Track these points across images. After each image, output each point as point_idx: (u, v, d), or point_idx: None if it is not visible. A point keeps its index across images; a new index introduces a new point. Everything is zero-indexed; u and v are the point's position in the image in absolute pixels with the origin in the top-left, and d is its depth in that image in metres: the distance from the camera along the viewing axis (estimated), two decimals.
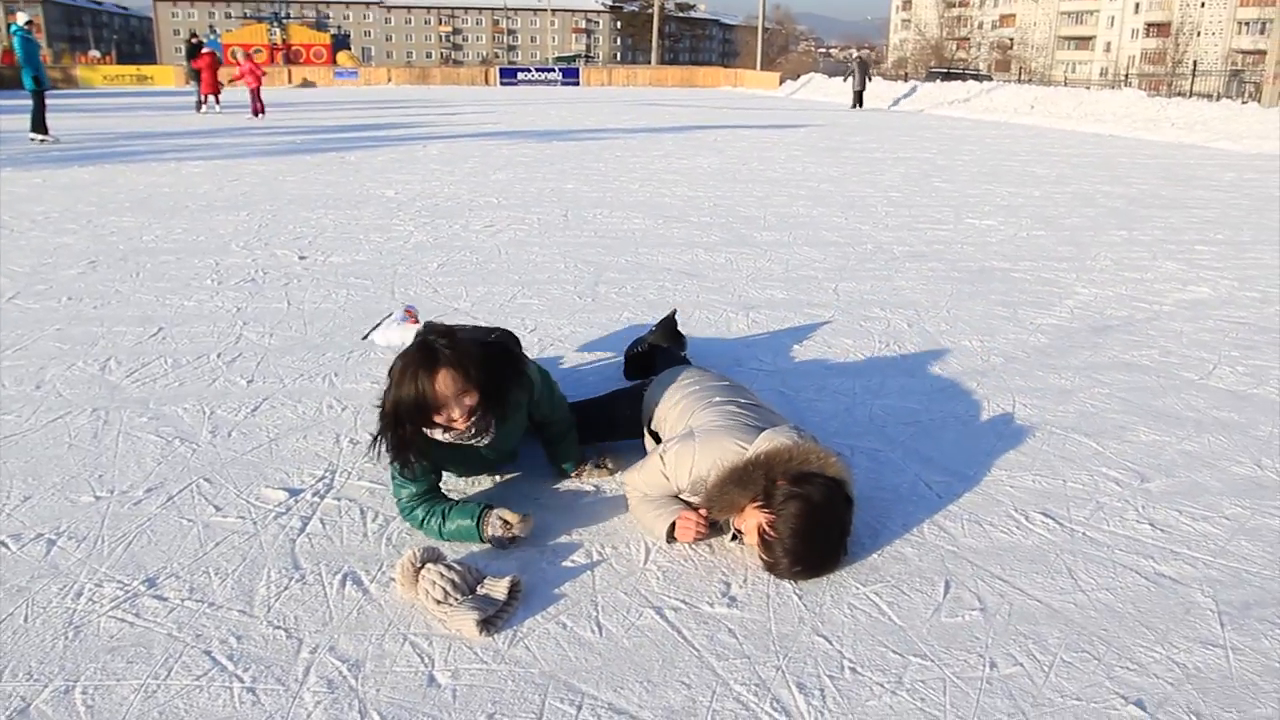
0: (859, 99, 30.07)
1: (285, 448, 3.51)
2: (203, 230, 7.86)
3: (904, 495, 3.19)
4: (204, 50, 24.55)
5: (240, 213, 8.76)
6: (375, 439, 2.77)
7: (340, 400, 3.99)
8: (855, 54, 32.68)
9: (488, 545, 2.78)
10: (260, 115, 21.89)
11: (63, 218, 8.44)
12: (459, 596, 2.43)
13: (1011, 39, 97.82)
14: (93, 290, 5.81)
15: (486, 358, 2.76)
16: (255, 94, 22.39)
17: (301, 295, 5.74)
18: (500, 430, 2.88)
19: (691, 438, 2.87)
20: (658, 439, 3.20)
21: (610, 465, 3.28)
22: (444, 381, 2.62)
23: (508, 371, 2.90)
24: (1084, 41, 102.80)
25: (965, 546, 2.85)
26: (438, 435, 2.75)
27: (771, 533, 2.59)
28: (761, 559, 2.65)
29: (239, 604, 2.50)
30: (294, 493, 3.14)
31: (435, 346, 2.63)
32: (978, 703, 2.16)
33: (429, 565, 2.49)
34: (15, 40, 15.20)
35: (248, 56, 23.43)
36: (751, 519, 2.66)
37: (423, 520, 2.82)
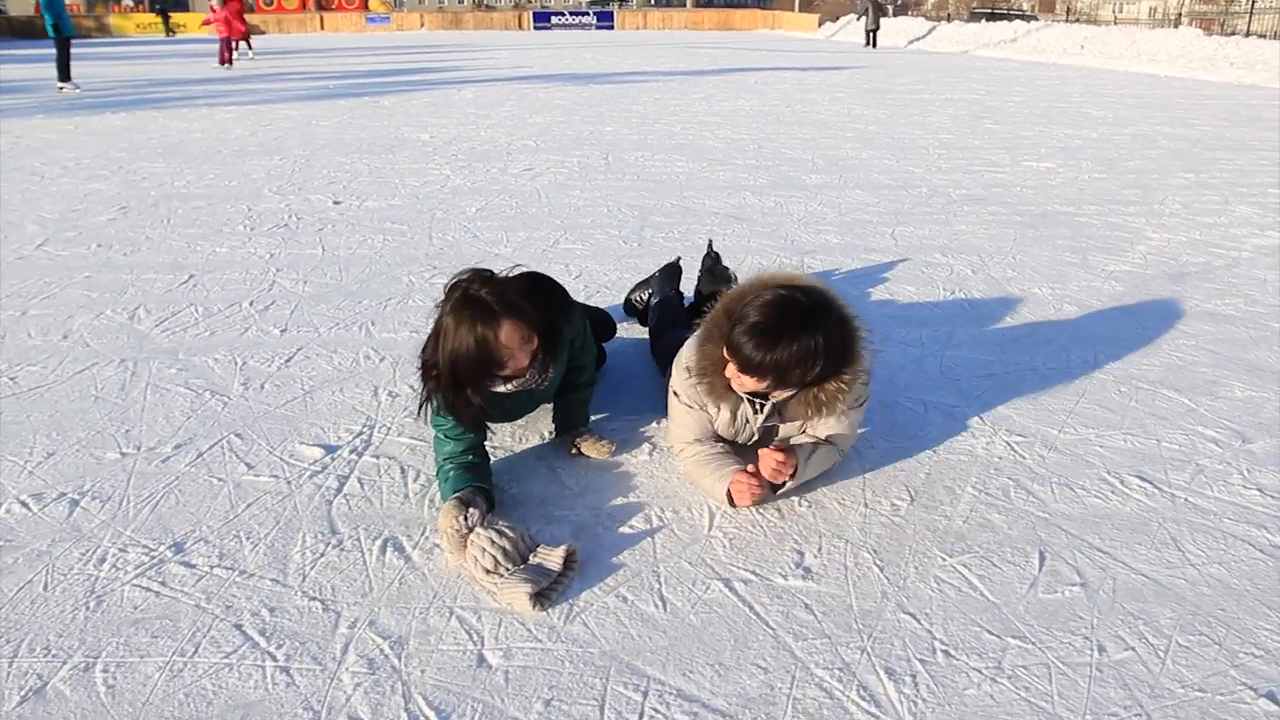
0: (871, 38, 30.15)
1: (321, 401, 3.32)
2: (235, 175, 7.66)
3: (982, 456, 2.94)
4: None
5: (273, 157, 8.55)
6: (423, 401, 2.57)
7: (378, 350, 3.78)
8: None
9: (520, 508, 2.62)
10: (227, 66, 20.62)
11: (94, 164, 8.27)
12: (510, 566, 2.23)
13: None
14: (123, 237, 5.63)
15: (536, 297, 2.55)
16: (226, 44, 20.99)
17: (336, 241, 5.53)
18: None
19: (680, 352, 2.76)
20: None
21: (610, 445, 2.92)
22: (507, 333, 2.41)
23: (558, 306, 2.71)
24: None
25: (1057, 513, 2.60)
26: (499, 388, 2.57)
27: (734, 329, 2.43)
28: (734, 372, 2.47)
29: (272, 572, 2.31)
30: (330, 450, 2.94)
31: (485, 299, 2.39)
32: (1088, 693, 1.93)
33: (478, 530, 2.29)
34: None
35: (225, 2, 21.32)
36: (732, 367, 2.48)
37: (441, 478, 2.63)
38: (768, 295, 2.42)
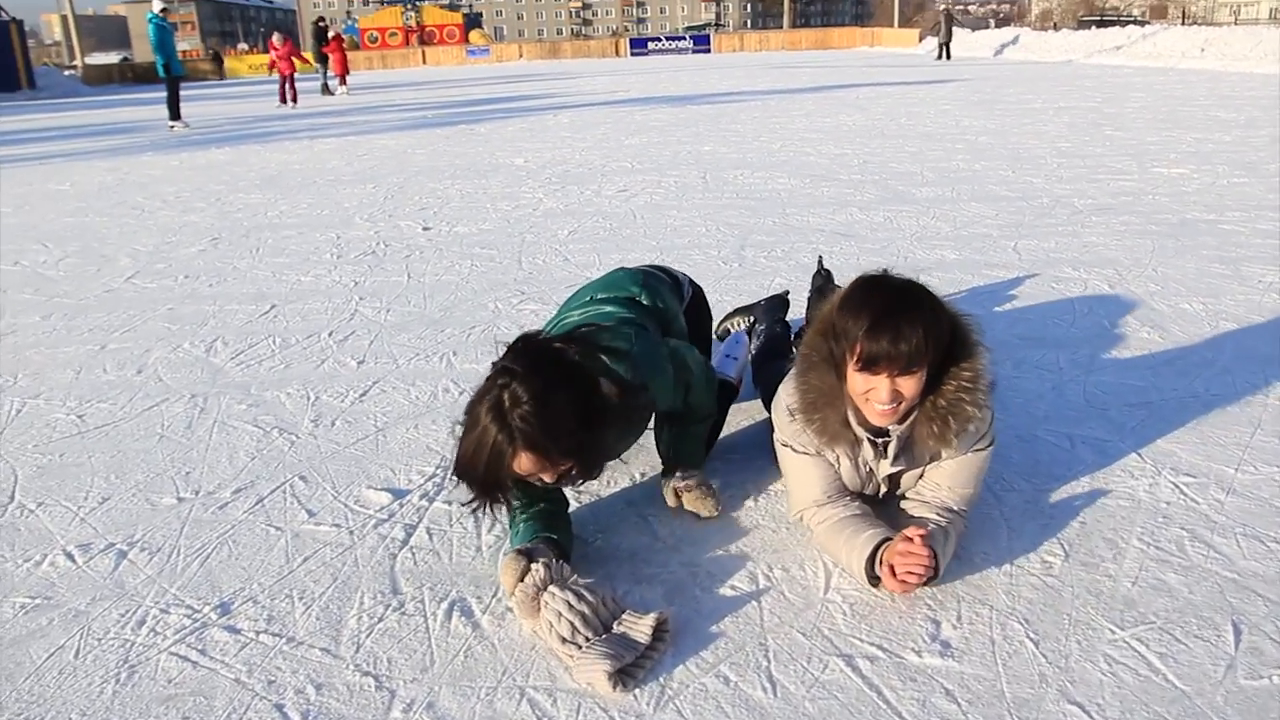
0: (945, 50, 30.69)
1: (393, 439, 3.06)
2: (328, 204, 7.59)
3: (1145, 502, 2.50)
4: (331, 35, 25.00)
5: (367, 185, 8.49)
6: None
7: (458, 382, 3.52)
8: (940, 7, 34.40)
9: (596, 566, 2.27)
10: (291, 104, 20.01)
11: (193, 197, 8.32)
12: (589, 635, 1.90)
13: None
14: (210, 268, 5.54)
15: (579, 423, 2.07)
16: (287, 80, 20.40)
17: (423, 267, 5.33)
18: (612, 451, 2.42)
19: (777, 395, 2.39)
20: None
21: (719, 502, 2.48)
22: (524, 464, 2.05)
23: (603, 431, 2.18)
24: None
25: (1249, 573, 2.15)
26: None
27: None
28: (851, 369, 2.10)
29: (323, 639, 2.03)
30: (399, 495, 2.67)
31: (511, 420, 2.00)
32: None
33: (552, 590, 1.96)
34: (150, 27, 15.42)
35: (284, 41, 21.04)
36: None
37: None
38: (852, 286, 2.14)
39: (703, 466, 2.60)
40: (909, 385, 2.05)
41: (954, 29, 32.45)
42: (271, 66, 21.36)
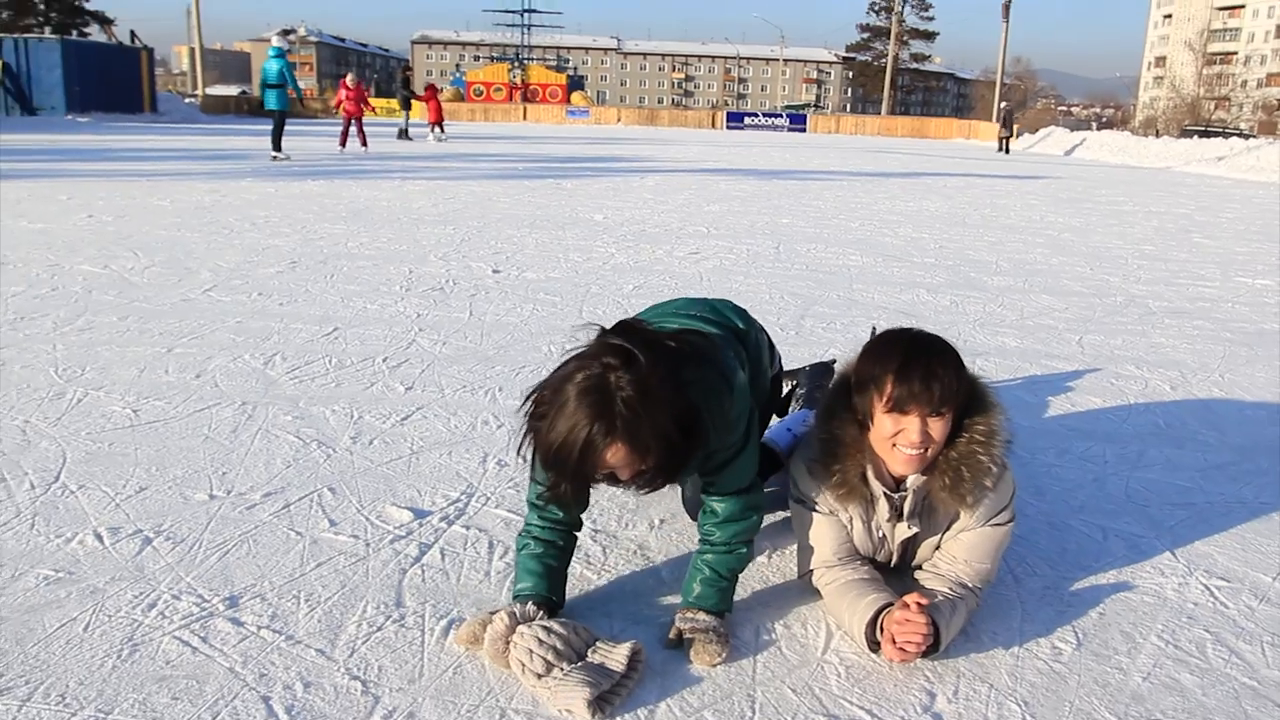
0: (1005, 144, 32.74)
1: (425, 462, 3.11)
2: (406, 240, 7.81)
3: (1172, 601, 2.42)
4: (426, 85, 25.78)
5: (447, 227, 8.72)
6: (522, 446, 2.01)
7: (499, 417, 3.57)
8: (1002, 105, 36.94)
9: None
10: (363, 148, 19.31)
11: (281, 222, 8.63)
12: (565, 666, 1.90)
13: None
14: (284, 288, 5.73)
15: (677, 423, 1.91)
16: (352, 123, 19.53)
17: (486, 307, 5.45)
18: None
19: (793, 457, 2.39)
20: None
21: (723, 651, 2.06)
22: (614, 454, 1.87)
23: (696, 443, 2.01)
24: None
25: (1270, 682, 2.07)
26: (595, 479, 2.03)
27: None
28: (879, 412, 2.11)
29: (320, 641, 2.06)
30: (420, 515, 2.71)
31: (614, 405, 1.82)
32: None
33: (520, 630, 1.95)
34: (275, 61, 16.20)
35: (356, 83, 20.02)
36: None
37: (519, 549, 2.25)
38: (875, 339, 2.21)
39: (724, 611, 2.17)
40: (939, 427, 2.06)
41: (1014, 125, 34.73)
42: (338, 106, 20.11)
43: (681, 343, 2.05)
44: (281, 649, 2.03)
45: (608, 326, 2.00)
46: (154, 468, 2.96)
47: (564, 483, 1.97)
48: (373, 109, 22.18)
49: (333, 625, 2.13)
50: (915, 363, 2.06)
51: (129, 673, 1.92)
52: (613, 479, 1.99)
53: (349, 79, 20.02)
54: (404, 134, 24.47)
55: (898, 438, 2.08)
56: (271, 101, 16.24)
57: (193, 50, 52.63)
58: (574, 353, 1.93)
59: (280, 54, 16.38)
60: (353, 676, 1.94)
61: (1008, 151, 32.32)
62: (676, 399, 1.91)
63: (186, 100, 43.94)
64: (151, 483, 2.85)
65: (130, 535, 2.51)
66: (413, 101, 25.67)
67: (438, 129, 25.40)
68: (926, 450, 2.09)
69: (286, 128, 16.66)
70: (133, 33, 38.28)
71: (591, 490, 2.18)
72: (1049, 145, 37.34)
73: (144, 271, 6.09)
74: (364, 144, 19.45)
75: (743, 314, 2.64)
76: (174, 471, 2.94)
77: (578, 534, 2.28)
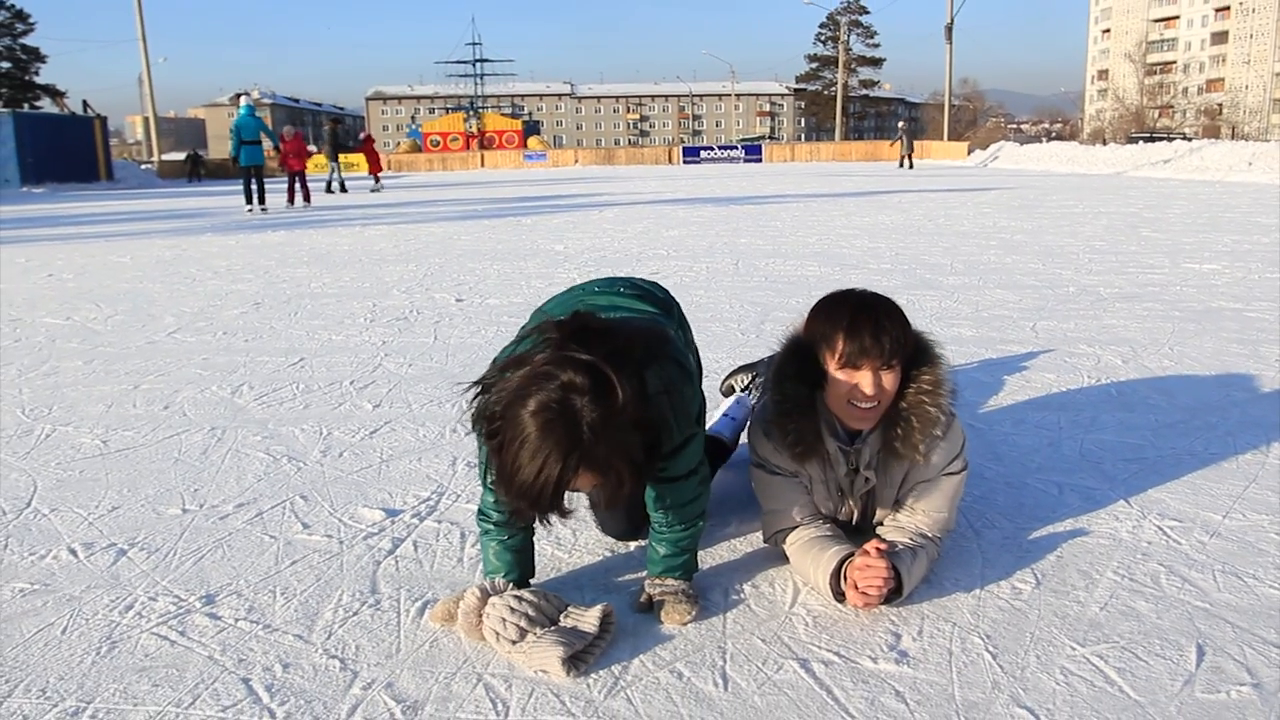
0: (905, 161, 33.86)
1: (396, 469, 3.15)
2: (369, 279, 7.86)
3: (1126, 541, 2.50)
4: (364, 136, 25.85)
5: (409, 264, 8.78)
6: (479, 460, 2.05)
7: (467, 424, 3.61)
8: (900, 124, 37.51)
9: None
10: (304, 203, 18.27)
11: (243, 269, 8.66)
12: (538, 631, 1.94)
13: (1220, 104, 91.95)
14: (249, 327, 5.76)
15: (644, 439, 1.83)
16: (297, 178, 18.40)
17: (450, 332, 5.50)
18: None
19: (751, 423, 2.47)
20: None
21: (690, 608, 2.11)
22: (581, 481, 1.78)
23: (660, 453, 1.96)
24: None
25: (1222, 604, 2.15)
26: None
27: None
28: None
29: (297, 628, 2.09)
30: (392, 513, 2.75)
31: (581, 434, 1.69)
32: None
33: (492, 601, 2.00)
34: (242, 118, 16.53)
35: (295, 135, 18.92)
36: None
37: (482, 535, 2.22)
38: (820, 301, 2.28)
39: (690, 575, 2.20)
40: (890, 379, 2.15)
41: (914, 142, 36.55)
42: (282, 161, 18.85)
43: (638, 339, 1.90)
44: (259, 636, 2.06)
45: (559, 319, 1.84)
46: (125, 489, 2.98)
47: (528, 513, 1.86)
48: (308, 162, 20.29)
49: (309, 613, 2.16)
50: (863, 319, 2.15)
51: (108, 667, 1.95)
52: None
53: (286, 131, 19.10)
54: (331, 187, 23.51)
55: (853, 393, 2.16)
56: (254, 157, 16.48)
57: (146, 119, 52.60)
58: (524, 352, 1.82)
59: (253, 110, 16.72)
60: (331, 656, 1.98)
61: (911, 167, 33.52)
62: (643, 417, 1.79)
63: (143, 166, 43.84)
64: (124, 502, 2.87)
65: (104, 549, 2.53)
66: (340, 155, 24.96)
67: (375, 180, 25.07)
68: (880, 403, 2.18)
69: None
70: (85, 103, 38.20)
71: None
72: (1002, 161, 38.00)
73: (107, 320, 6.09)
74: (306, 198, 18.52)
75: (657, 284, 2.64)
76: (146, 491, 2.96)
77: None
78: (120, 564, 2.43)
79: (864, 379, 2.15)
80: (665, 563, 2.18)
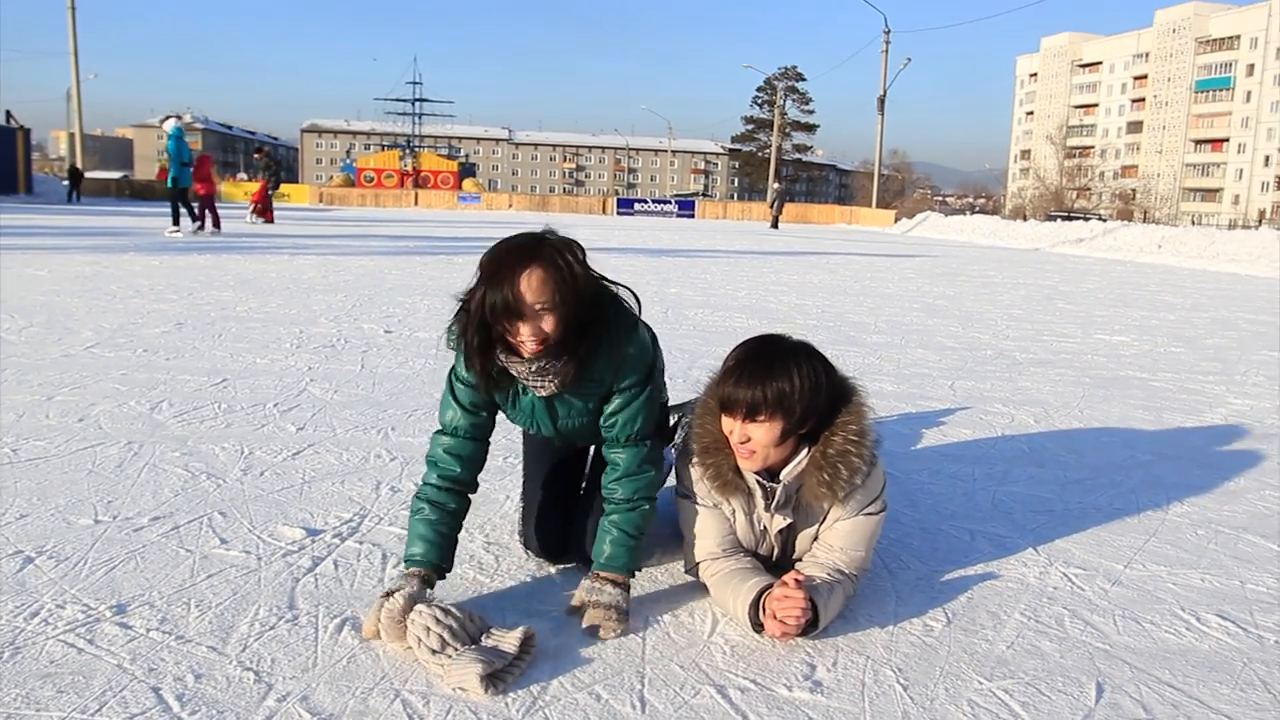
0: (775, 221, 35.47)
1: (318, 490, 3.12)
2: (297, 306, 7.77)
3: (1033, 586, 2.59)
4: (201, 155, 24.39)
5: (338, 295, 8.69)
6: (450, 330, 2.41)
7: (391, 451, 3.60)
8: (774, 185, 40.34)
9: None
10: (214, 229, 17.34)
11: (166, 290, 8.49)
12: (459, 646, 1.94)
13: (1134, 189, 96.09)
14: (170, 346, 5.64)
15: (592, 285, 2.23)
16: (205, 204, 17.46)
17: (378, 361, 5.46)
18: (566, 393, 2.32)
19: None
20: None
21: (624, 626, 2.18)
22: (534, 282, 2.09)
23: (606, 315, 2.26)
24: (1210, 194, 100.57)
25: (1121, 645, 2.24)
26: (514, 367, 2.25)
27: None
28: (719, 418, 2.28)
29: (211, 640, 2.06)
30: (313, 533, 2.72)
31: (543, 241, 2.17)
32: None
33: (419, 609, 2.01)
34: (170, 140, 16.31)
35: (203, 158, 18.16)
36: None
37: (424, 481, 2.37)
38: (740, 345, 2.32)
39: (628, 574, 2.30)
40: (756, 432, 2.19)
41: (785, 203, 38.06)
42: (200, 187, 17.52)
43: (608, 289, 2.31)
44: (171, 647, 2.02)
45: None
46: (35, 498, 2.90)
47: (487, 300, 2.14)
48: (213, 183, 18.81)
49: (224, 626, 2.13)
50: (747, 368, 2.20)
51: (10, 672, 1.89)
52: (514, 351, 2.21)
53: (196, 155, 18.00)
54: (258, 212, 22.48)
55: (731, 435, 2.23)
56: (186, 179, 16.38)
57: (72, 135, 51.35)
58: None
59: (181, 133, 16.53)
60: (245, 668, 1.95)
61: (776, 227, 34.69)
62: (591, 283, 2.21)
63: (64, 183, 42.72)
64: (32, 510, 2.79)
65: (10, 555, 2.46)
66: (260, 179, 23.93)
67: (250, 212, 23.02)
68: (756, 452, 2.22)
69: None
70: (8, 112, 37.25)
71: (493, 423, 2.44)
72: (925, 229, 39.12)
73: (21, 332, 5.92)
74: (216, 224, 17.49)
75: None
76: (56, 501, 2.88)
77: (471, 497, 2.38)
78: (27, 571, 2.36)
79: (735, 426, 2.21)
80: (611, 553, 2.28)
